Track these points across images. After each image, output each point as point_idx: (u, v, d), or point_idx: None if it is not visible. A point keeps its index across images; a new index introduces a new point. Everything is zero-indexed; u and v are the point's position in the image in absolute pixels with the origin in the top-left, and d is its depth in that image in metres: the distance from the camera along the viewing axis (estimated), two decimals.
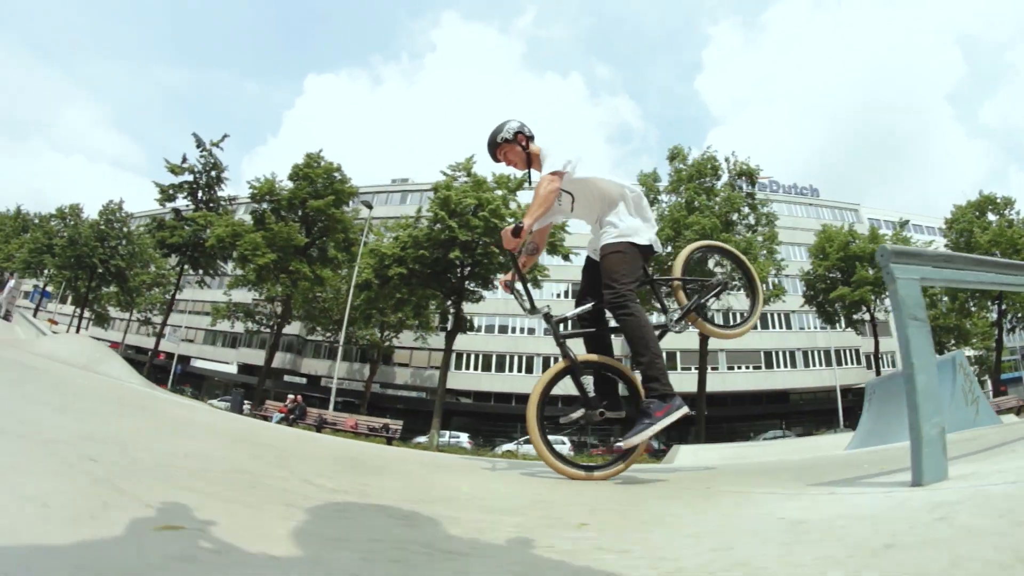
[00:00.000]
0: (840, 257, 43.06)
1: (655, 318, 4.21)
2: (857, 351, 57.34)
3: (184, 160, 41.82)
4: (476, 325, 50.55)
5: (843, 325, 45.77)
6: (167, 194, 41.86)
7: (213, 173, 42.61)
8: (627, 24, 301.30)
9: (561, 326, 3.74)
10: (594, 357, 3.72)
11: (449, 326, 36.79)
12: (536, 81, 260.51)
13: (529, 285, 3.94)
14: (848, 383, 52.56)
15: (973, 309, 44.89)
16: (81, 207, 56.94)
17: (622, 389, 3.82)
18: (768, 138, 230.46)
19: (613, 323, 3.76)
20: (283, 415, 27.50)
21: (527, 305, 3.91)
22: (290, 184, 40.31)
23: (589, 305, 3.85)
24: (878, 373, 42.93)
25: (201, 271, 43.31)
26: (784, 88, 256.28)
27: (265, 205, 39.72)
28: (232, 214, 43.66)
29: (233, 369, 64.88)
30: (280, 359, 59.39)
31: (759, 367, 54.90)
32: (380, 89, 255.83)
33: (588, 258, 4.05)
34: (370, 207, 38.18)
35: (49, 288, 60.46)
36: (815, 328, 55.61)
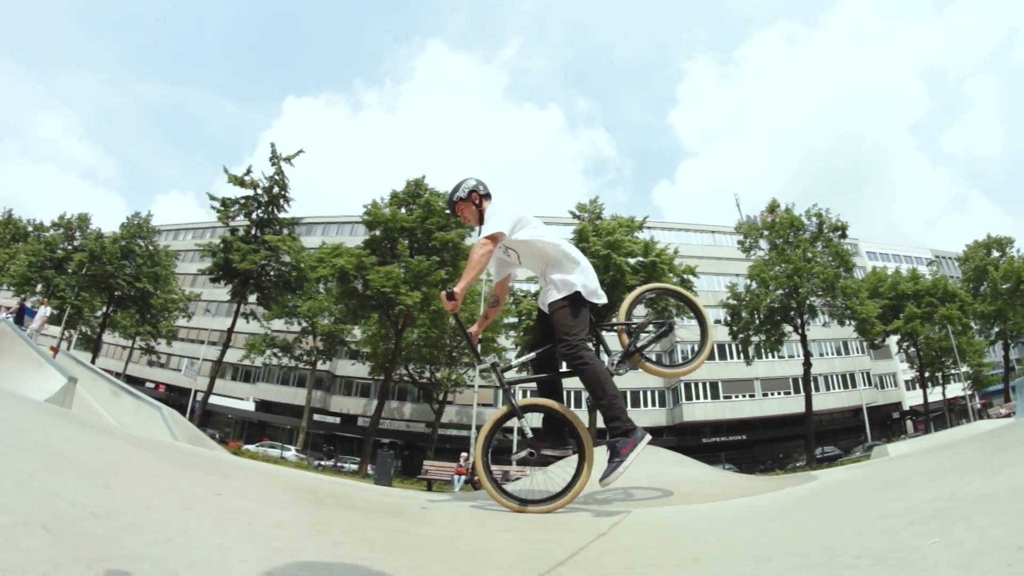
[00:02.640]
0: (892, 296, 47.27)
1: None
2: (868, 373, 59.32)
3: (249, 172, 38.44)
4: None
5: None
6: (229, 210, 38.29)
7: (276, 191, 39.23)
8: (606, 57, 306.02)
9: (507, 374, 4.03)
10: (532, 401, 3.93)
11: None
12: (516, 112, 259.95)
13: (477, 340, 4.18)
14: (868, 402, 54.15)
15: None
16: (89, 217, 51.47)
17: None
18: (739, 170, 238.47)
19: (564, 367, 4.03)
20: (464, 477, 25.63)
21: (475, 358, 4.32)
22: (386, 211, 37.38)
23: (532, 355, 4.17)
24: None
25: (258, 300, 40.03)
26: (755, 122, 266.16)
27: (377, 231, 36.81)
28: (298, 238, 40.41)
29: (249, 406, 59.45)
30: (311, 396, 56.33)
31: (788, 392, 55.67)
32: (360, 114, 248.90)
33: (539, 310, 4.29)
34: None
35: (27, 304, 53.26)
36: (832, 354, 58.04)
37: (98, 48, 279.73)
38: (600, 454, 3.72)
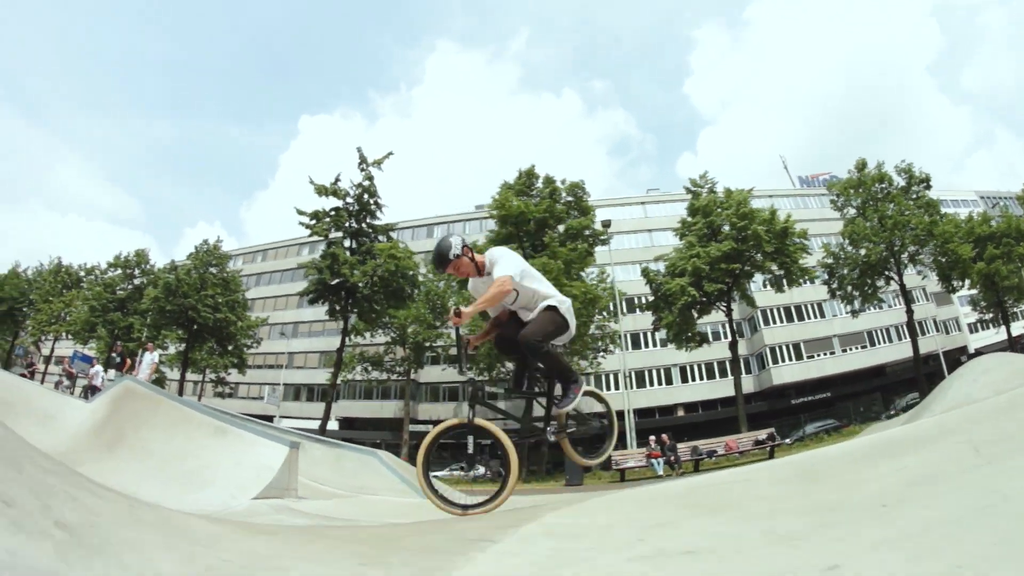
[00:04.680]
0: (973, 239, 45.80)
1: None
2: (934, 320, 59.61)
3: (337, 180, 36.58)
4: None
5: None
6: (322, 223, 36.51)
7: (366, 198, 37.50)
8: (615, 36, 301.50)
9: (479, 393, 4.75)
10: (482, 423, 4.49)
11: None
12: (534, 101, 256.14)
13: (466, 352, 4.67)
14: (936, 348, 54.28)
15: None
16: (147, 252, 49.07)
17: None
18: (760, 133, 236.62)
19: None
20: (662, 459, 24.87)
21: (463, 369, 4.68)
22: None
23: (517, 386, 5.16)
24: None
25: (359, 314, 38.24)
26: (771, 82, 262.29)
27: (509, 226, 35.29)
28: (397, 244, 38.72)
29: (332, 425, 57.01)
30: (394, 407, 54.61)
31: (865, 346, 55.64)
32: (377, 124, 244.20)
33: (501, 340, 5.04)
34: (608, 225, 35.25)
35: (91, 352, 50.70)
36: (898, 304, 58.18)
37: (101, 95, 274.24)
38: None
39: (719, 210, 35.57)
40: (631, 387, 48.46)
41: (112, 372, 22.86)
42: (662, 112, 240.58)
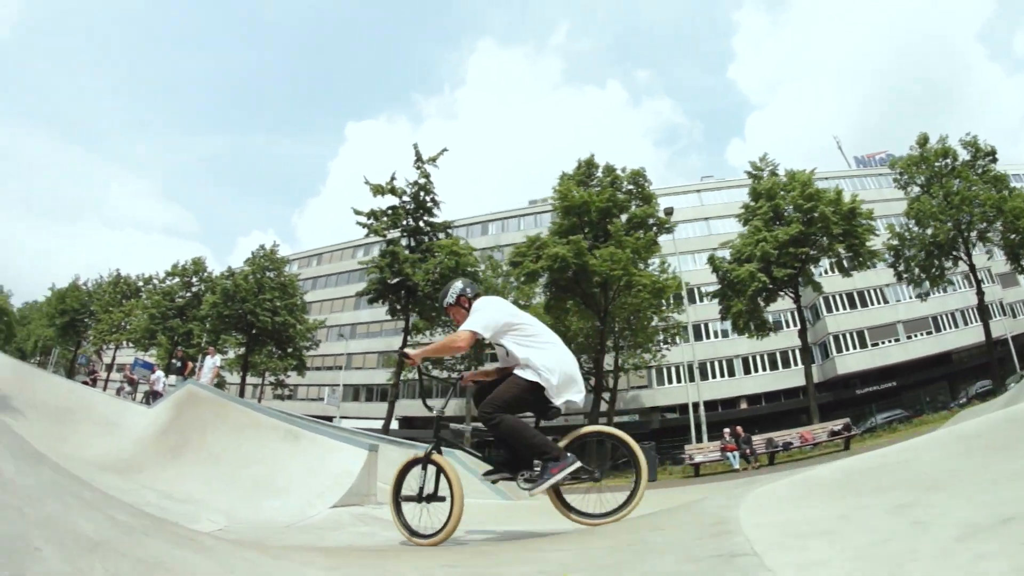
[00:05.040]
0: None
1: None
2: (1001, 303, 57.50)
3: (392, 179, 36.27)
4: None
5: None
6: (379, 222, 36.27)
7: (423, 196, 37.19)
8: (655, 25, 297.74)
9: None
10: (438, 459, 4.40)
11: None
12: (577, 96, 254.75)
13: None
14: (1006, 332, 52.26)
15: None
16: (204, 260, 49.54)
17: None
18: (808, 114, 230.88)
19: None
20: (736, 453, 24.39)
21: (425, 404, 5.10)
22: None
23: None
24: None
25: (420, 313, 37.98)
26: (816, 60, 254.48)
27: (572, 217, 34.58)
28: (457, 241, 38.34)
29: (392, 424, 57.34)
30: (454, 406, 54.21)
31: (930, 332, 53.92)
32: (423, 126, 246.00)
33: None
34: (671, 213, 34.60)
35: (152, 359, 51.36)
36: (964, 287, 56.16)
37: (152, 116, 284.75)
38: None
39: (783, 193, 34.67)
40: (693, 379, 47.58)
41: (173, 377, 22.69)
42: (708, 99, 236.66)
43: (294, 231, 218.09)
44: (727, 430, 26.13)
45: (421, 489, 4.37)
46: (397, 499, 4.51)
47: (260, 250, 45.54)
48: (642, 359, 42.16)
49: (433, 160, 36.47)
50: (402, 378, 42.53)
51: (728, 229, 50.05)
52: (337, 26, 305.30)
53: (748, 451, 24.33)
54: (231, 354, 45.15)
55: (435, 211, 37.76)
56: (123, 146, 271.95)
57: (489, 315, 4.39)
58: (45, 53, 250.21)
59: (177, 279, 49.33)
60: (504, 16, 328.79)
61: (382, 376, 56.98)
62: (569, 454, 4.10)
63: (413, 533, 4.31)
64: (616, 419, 45.30)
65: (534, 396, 4.23)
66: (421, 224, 37.48)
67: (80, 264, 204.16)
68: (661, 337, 42.01)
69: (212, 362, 20.97)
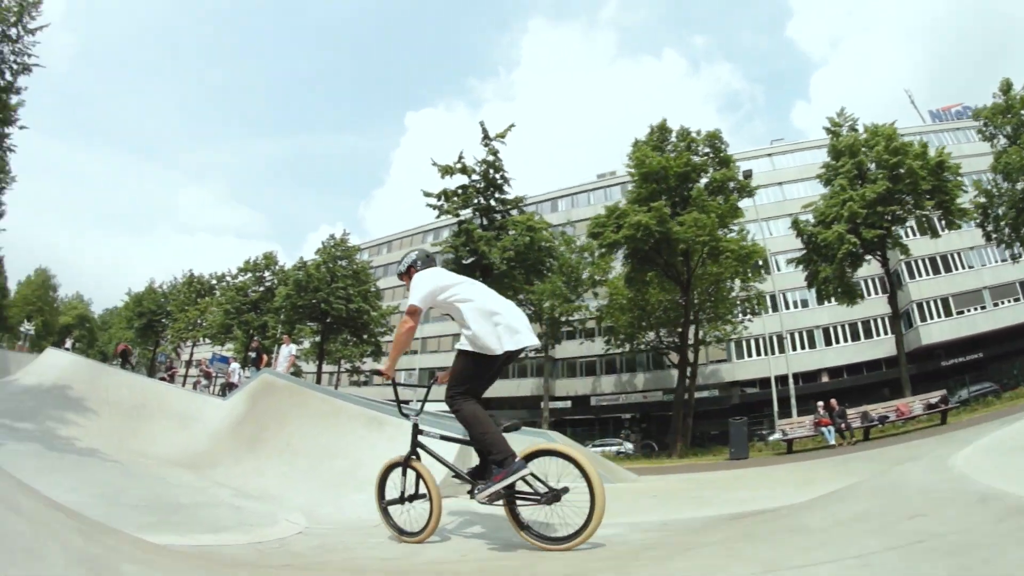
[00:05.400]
0: None
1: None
2: None
3: (461, 158, 35.89)
4: None
5: None
6: (451, 202, 35.93)
7: (492, 173, 36.71)
8: None
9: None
10: (416, 466, 4.60)
11: None
12: (634, 67, 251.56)
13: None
14: None
15: None
16: (275, 254, 50.28)
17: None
18: (876, 68, 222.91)
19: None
20: (831, 427, 23.61)
21: (401, 411, 4.91)
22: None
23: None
24: None
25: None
26: (880, 9, 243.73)
27: (652, 184, 33.34)
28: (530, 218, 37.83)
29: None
30: (531, 385, 54.81)
31: (1018, 298, 51.30)
32: (480, 111, 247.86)
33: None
34: (749, 176, 33.65)
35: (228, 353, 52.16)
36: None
37: (215, 124, 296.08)
38: None
39: (864, 149, 33.04)
40: (773, 352, 46.12)
41: (249, 371, 22.57)
42: (768, 61, 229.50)
43: (362, 222, 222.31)
44: (820, 403, 25.03)
45: (403, 492, 4.64)
46: (382, 503, 4.81)
47: (330, 240, 45.89)
48: (724, 331, 40.86)
49: (501, 136, 36.05)
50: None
51: (803, 193, 48.54)
52: (387, 20, 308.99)
53: (843, 425, 23.24)
54: (306, 344, 45.48)
55: (505, 188, 37.29)
56: (190, 156, 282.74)
57: (421, 287, 4.47)
58: (106, 78, 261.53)
59: (249, 274, 50.37)
60: None
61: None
62: (519, 460, 3.97)
63: (402, 532, 4.60)
64: (696, 395, 44.09)
65: (476, 363, 4.27)
66: (492, 202, 37.06)
67: (156, 269, 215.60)
68: (740, 308, 40.80)
69: (288, 350, 20.28)
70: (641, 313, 39.14)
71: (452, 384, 4.31)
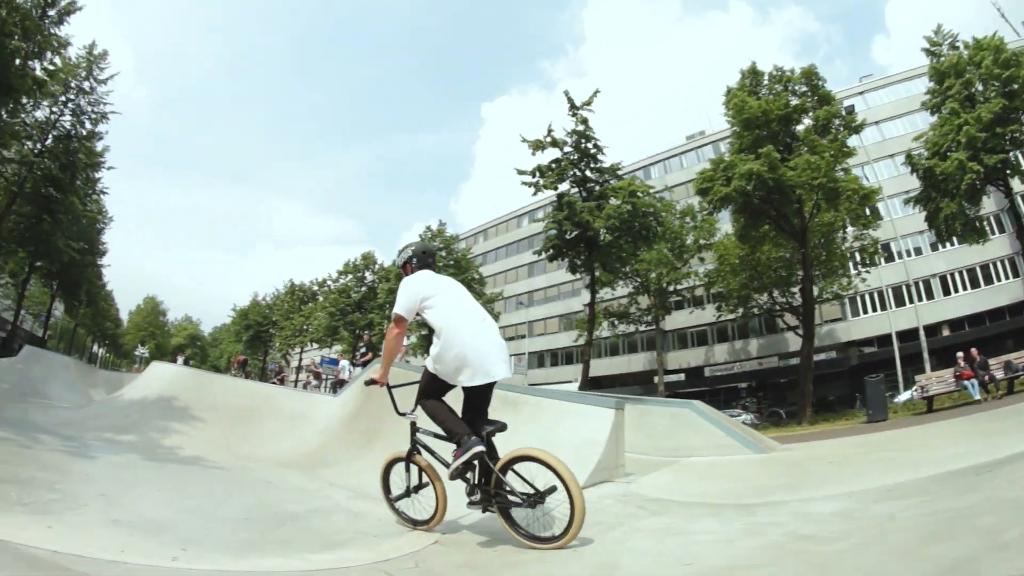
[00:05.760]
0: None
1: None
2: None
3: (550, 131, 35.22)
4: None
5: None
6: (546, 177, 35.47)
7: (584, 144, 35.79)
8: None
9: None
10: (417, 459, 4.83)
11: None
12: (701, 25, 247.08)
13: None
14: None
15: None
16: (373, 253, 51.45)
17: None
18: None
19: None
20: (973, 380, 21.52)
21: (397, 411, 4.91)
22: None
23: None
24: None
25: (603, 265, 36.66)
26: None
27: (757, 130, 31.92)
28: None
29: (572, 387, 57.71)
30: (642, 360, 54.38)
31: None
32: (555, 92, 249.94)
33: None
34: (852, 111, 32.30)
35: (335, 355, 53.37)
36: None
37: (301, 141, 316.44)
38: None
39: (970, 67, 30.37)
40: (891, 306, 44.13)
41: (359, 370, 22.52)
42: None
43: (454, 217, 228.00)
44: (960, 354, 23.01)
45: (408, 486, 4.86)
46: (389, 497, 5.04)
47: (427, 232, 46.38)
48: (842, 284, 38.91)
49: (587, 104, 35.13)
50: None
51: (902, 131, 46.41)
52: (449, 17, 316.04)
53: (987, 378, 21.49)
54: (413, 338, 46.00)
55: (600, 157, 36.40)
56: (279, 175, 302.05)
57: (405, 295, 4.54)
58: (188, 117, 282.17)
59: (350, 276, 51.49)
60: None
61: (566, 339, 57.48)
62: (474, 438, 4.24)
63: (416, 522, 4.82)
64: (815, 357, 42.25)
65: (437, 382, 4.49)
66: (588, 173, 36.39)
67: (258, 284, 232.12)
68: (854, 260, 38.92)
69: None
70: (753, 273, 37.86)
71: (419, 392, 4.63)
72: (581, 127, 35.51)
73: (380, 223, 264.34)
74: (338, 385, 21.77)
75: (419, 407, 4.71)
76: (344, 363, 25.74)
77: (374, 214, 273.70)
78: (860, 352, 46.69)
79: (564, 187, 36.51)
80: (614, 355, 55.47)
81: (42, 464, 5.92)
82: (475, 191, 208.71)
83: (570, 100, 35.29)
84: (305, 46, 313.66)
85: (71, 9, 27.62)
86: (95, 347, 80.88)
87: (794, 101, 32.63)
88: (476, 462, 4.35)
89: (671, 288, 43.86)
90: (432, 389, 4.54)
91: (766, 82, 33.95)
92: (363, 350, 23.52)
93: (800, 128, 32.75)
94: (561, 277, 61.42)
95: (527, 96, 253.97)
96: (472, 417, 4.54)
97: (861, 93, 52.93)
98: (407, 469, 4.89)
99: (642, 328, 47.33)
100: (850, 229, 35.98)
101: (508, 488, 4.16)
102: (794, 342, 45.91)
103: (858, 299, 45.77)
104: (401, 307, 4.48)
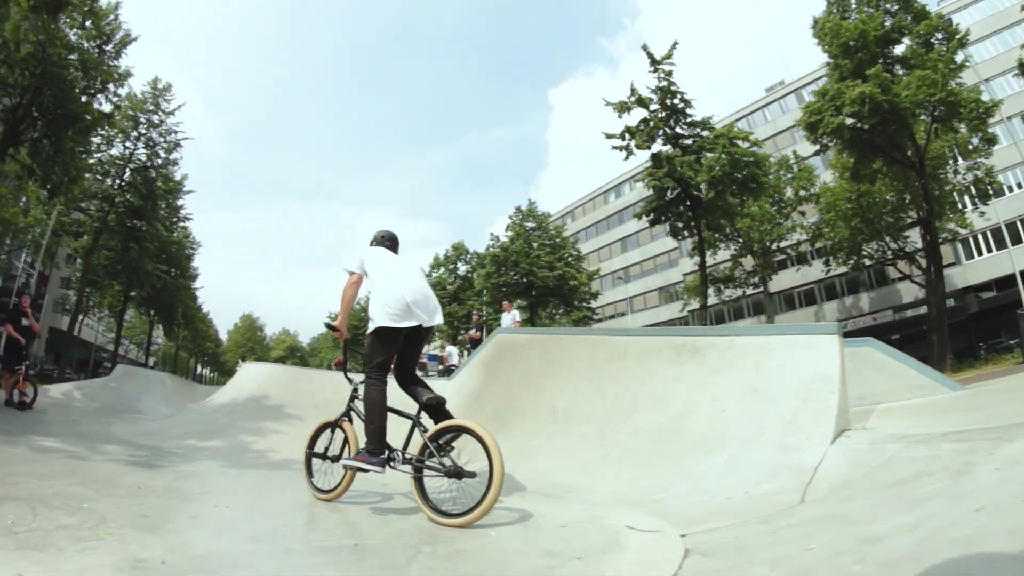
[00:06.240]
0: None
1: None
2: None
3: (633, 91, 33.87)
4: None
5: None
6: (637, 137, 34.24)
7: (669, 100, 34.50)
8: None
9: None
10: (345, 427, 4.80)
11: None
12: None
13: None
14: None
15: None
16: (463, 243, 52.06)
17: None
18: None
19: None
20: None
21: (346, 375, 5.10)
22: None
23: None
24: None
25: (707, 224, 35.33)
26: None
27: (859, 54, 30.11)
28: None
29: None
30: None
31: None
32: (620, 68, 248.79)
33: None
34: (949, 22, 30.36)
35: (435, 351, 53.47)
36: None
37: (376, 152, 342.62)
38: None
39: None
40: (1008, 244, 41.06)
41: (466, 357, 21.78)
42: None
43: (537, 207, 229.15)
44: None
45: (326, 449, 4.81)
46: (309, 450, 4.91)
47: (517, 213, 46.02)
48: (961, 220, 36.37)
49: (668, 57, 33.77)
50: (688, 310, 40.75)
51: (994, 51, 43.67)
52: (498, 12, 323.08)
53: None
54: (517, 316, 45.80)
55: (688, 111, 34.84)
56: (361, 187, 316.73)
57: (353, 256, 4.88)
58: (267, 143, 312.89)
59: (442, 269, 51.54)
60: None
61: (667, 312, 57.10)
62: (380, 458, 4.26)
63: (317, 489, 4.68)
64: (926, 307, 39.42)
65: (381, 339, 4.49)
66: (680, 129, 35.05)
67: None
68: (973, 192, 36.52)
69: (510, 317, 18.78)
70: (864, 219, 35.92)
71: (366, 364, 4.52)
72: (665, 83, 34.24)
73: (463, 221, 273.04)
74: (448, 372, 21.06)
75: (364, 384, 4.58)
76: (451, 348, 24.99)
77: (457, 213, 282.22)
78: (978, 298, 42.40)
79: (657, 147, 35.31)
80: (719, 323, 53.77)
81: (86, 477, 4.74)
82: (553, 178, 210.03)
83: (650, 55, 33.95)
84: (368, 61, 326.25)
85: (127, 41, 28.64)
86: (198, 368, 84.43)
87: (888, 22, 30.81)
88: (414, 431, 4.35)
89: (774, 247, 42.22)
90: (380, 348, 4.49)
91: (853, 5, 32.26)
92: (474, 329, 22.87)
93: (899, 50, 30.92)
94: (656, 249, 61.29)
95: (592, 76, 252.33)
96: (404, 377, 4.69)
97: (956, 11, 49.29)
98: (332, 431, 4.91)
99: (749, 291, 45.69)
100: (961, 163, 33.88)
101: (433, 459, 4.06)
102: (907, 293, 43.51)
103: (970, 240, 42.26)
104: (351, 265, 4.80)
